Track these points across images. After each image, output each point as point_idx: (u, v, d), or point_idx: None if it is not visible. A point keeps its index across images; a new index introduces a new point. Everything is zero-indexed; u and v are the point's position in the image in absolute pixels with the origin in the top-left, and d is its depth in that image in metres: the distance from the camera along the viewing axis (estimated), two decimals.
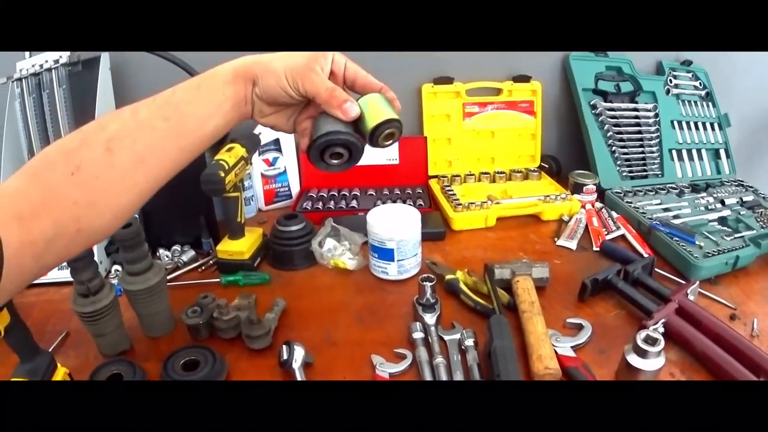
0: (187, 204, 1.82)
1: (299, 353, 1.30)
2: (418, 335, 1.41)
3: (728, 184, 2.16)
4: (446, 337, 1.41)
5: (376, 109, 1.03)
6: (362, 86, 1.07)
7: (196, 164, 1.66)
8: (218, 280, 1.73)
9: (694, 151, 2.29)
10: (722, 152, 2.32)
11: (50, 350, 1.45)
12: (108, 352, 1.44)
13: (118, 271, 1.75)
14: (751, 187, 2.11)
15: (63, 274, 1.68)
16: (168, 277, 1.68)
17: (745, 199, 1.99)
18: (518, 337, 1.38)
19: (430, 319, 1.46)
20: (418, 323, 1.44)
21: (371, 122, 1.01)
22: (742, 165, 2.35)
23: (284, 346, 1.31)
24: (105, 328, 1.39)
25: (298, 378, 1.27)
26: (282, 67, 0.96)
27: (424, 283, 1.48)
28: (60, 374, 1.26)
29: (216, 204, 1.89)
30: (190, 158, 0.96)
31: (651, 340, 1.20)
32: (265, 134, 2.13)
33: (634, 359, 1.20)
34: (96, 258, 1.63)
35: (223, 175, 1.59)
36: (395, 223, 1.66)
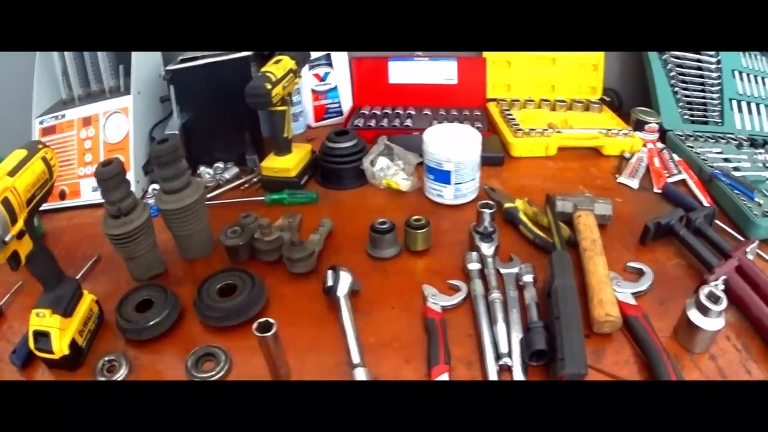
0: (232, 119, 1.78)
1: (345, 280, 1.24)
2: (473, 266, 1.33)
3: None
4: (503, 271, 1.33)
5: None
6: None
7: (240, 76, 1.66)
8: (262, 198, 1.68)
9: (753, 105, 2.14)
10: None
11: (79, 276, 1.41)
12: (140, 276, 1.39)
13: (156, 190, 1.67)
14: None
15: (96, 196, 1.62)
16: (208, 196, 1.64)
17: None
18: (577, 276, 1.27)
19: (487, 249, 1.37)
20: (474, 253, 1.36)
21: None
22: None
23: (329, 272, 1.25)
24: (136, 251, 1.33)
25: (343, 306, 1.20)
26: None
27: (484, 210, 1.39)
28: (86, 302, 1.23)
29: (262, 119, 1.82)
30: None
31: (714, 298, 1.11)
32: None
33: (695, 316, 1.12)
34: (132, 177, 1.57)
35: (269, 87, 1.52)
36: (454, 144, 1.56)
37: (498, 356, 1.11)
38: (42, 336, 1.12)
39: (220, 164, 1.82)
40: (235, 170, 1.82)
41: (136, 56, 1.79)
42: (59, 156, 1.61)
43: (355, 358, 1.09)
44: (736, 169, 1.74)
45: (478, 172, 1.63)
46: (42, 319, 1.12)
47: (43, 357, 1.14)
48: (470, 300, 1.27)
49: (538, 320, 1.16)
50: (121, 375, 1.13)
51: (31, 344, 1.13)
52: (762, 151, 1.88)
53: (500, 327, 1.16)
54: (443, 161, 1.54)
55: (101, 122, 1.78)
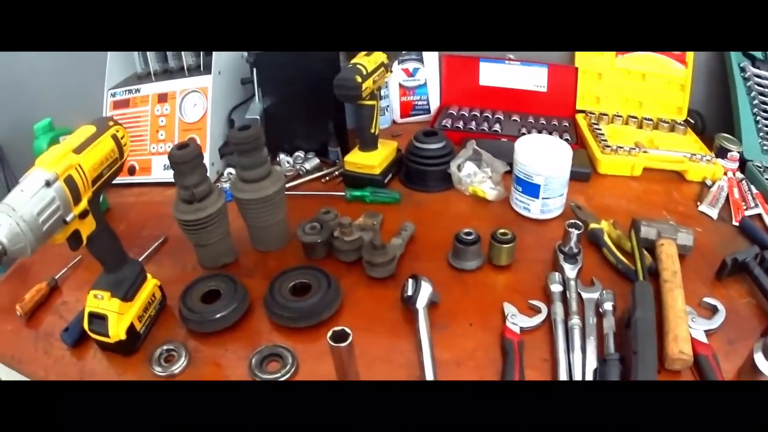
0: (315, 108, 1.75)
1: (426, 291, 1.19)
2: (556, 288, 1.28)
3: None
4: (585, 295, 1.27)
5: None
6: None
7: (328, 65, 1.63)
8: (342, 193, 1.64)
9: None
10: None
11: (143, 257, 1.40)
12: (209, 264, 1.37)
13: (231, 174, 1.67)
14: None
15: (168, 174, 1.60)
16: (286, 186, 1.56)
17: None
18: (654, 306, 1.23)
19: (570, 271, 1.32)
20: (557, 274, 1.31)
21: None
22: None
23: (410, 281, 1.21)
24: (208, 239, 1.31)
25: (421, 319, 1.15)
26: None
27: (571, 229, 1.33)
28: (149, 286, 1.21)
29: (348, 111, 1.78)
30: None
31: None
32: None
33: (761, 361, 1.07)
34: (207, 159, 1.54)
35: (360, 80, 1.49)
36: (546, 157, 1.50)
37: None
38: (98, 318, 1.10)
39: (300, 153, 1.79)
40: (315, 161, 1.79)
41: None
42: (131, 131, 1.59)
43: (429, 375, 1.06)
44: None
45: (566, 189, 1.57)
46: (100, 302, 1.10)
47: (96, 339, 1.11)
48: (549, 322, 1.23)
49: (615, 352, 1.13)
50: (179, 366, 1.10)
51: (86, 325, 1.11)
52: None
53: (577, 355, 1.13)
54: (534, 174, 1.49)
55: (178, 100, 1.76)
